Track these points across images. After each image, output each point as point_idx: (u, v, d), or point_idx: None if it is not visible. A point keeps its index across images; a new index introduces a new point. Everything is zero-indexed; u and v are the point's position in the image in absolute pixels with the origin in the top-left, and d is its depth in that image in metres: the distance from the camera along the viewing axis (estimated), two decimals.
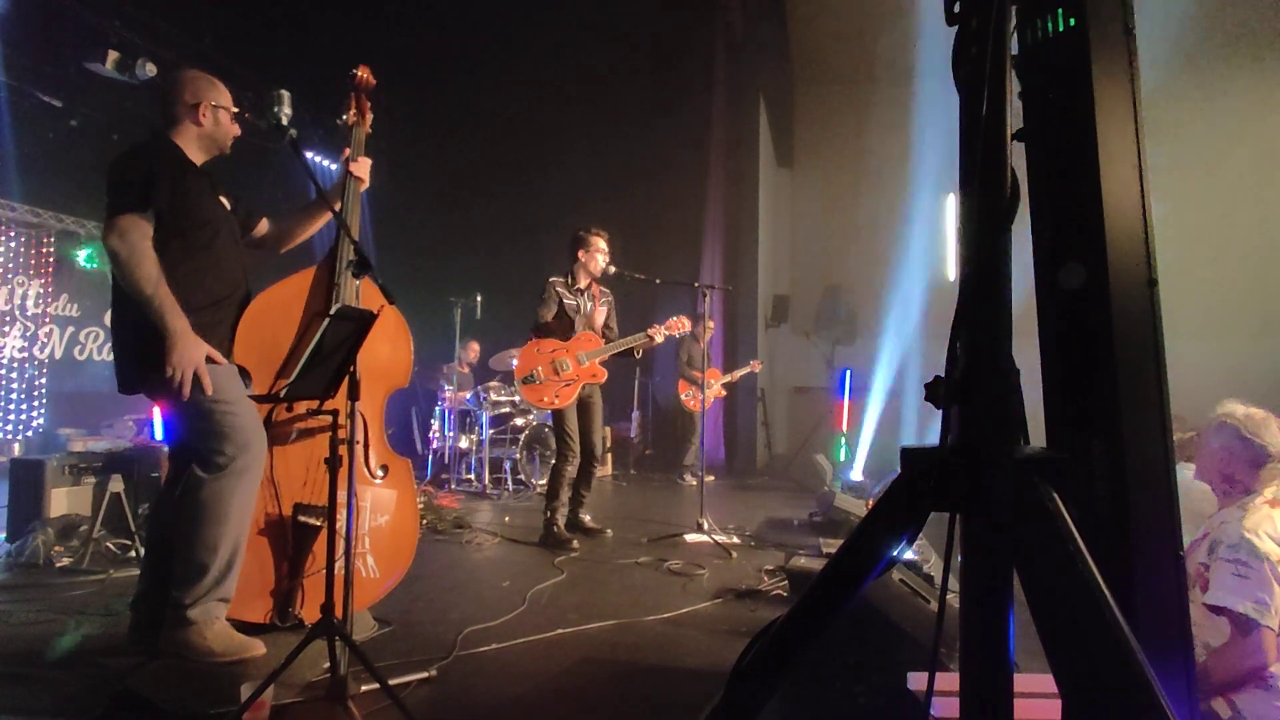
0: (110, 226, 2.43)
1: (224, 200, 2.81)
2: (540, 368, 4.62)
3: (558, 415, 4.68)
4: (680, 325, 4.95)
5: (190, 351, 2.44)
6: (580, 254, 4.77)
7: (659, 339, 4.86)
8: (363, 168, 3.01)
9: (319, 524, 2.65)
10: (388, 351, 2.96)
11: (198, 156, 2.74)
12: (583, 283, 4.81)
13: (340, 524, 2.21)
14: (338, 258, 2.86)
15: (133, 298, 2.42)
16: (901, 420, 8.68)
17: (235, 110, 2.78)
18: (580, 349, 4.70)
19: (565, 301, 4.72)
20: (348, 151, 3.02)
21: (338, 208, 2.95)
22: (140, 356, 2.52)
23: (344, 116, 3.07)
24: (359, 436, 2.58)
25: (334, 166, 9.32)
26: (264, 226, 3.01)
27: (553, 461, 4.83)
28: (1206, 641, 2.15)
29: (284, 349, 2.70)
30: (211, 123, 2.72)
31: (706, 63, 9.06)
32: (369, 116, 3.09)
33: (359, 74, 3.07)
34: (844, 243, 9.92)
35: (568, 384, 4.63)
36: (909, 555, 3.16)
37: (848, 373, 8.54)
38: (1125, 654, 0.70)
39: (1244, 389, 2.59)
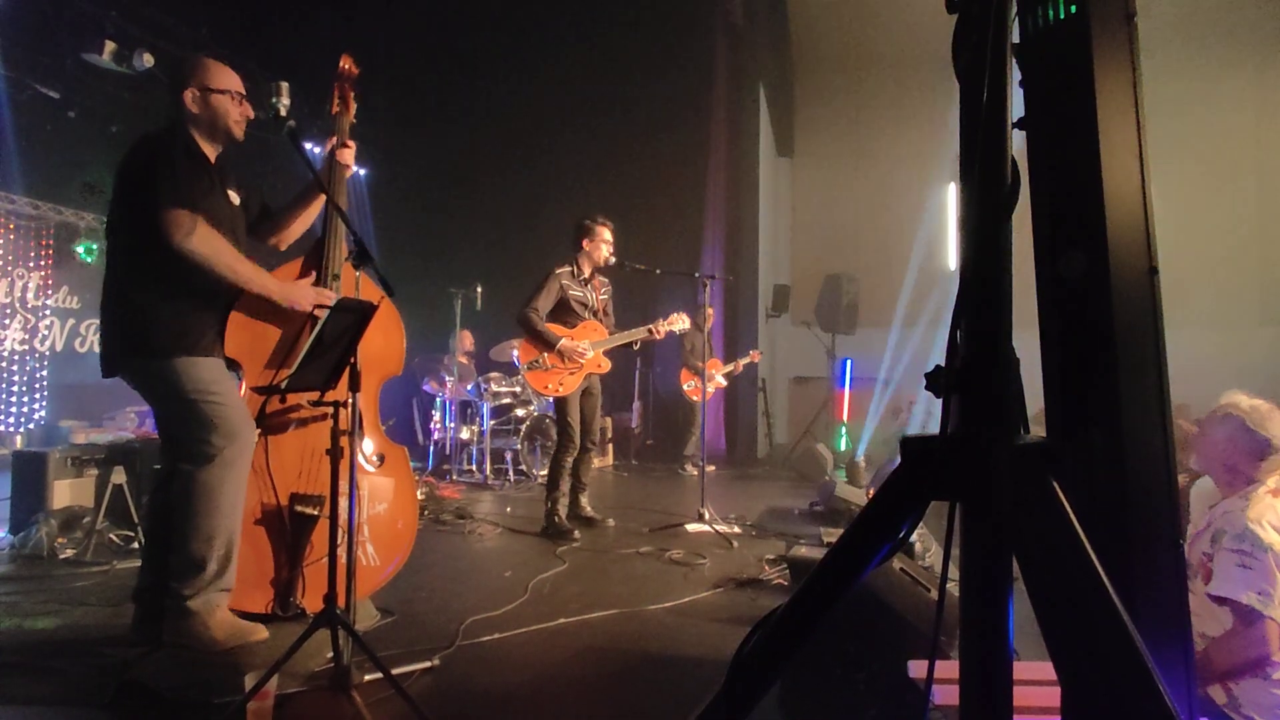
0: (168, 229, 2.41)
1: (233, 194, 2.76)
2: (546, 354, 4.61)
3: (560, 404, 4.67)
4: (678, 321, 4.95)
5: (295, 293, 2.64)
6: (585, 243, 4.74)
7: (660, 334, 4.88)
8: (348, 154, 3.00)
9: (316, 513, 2.67)
10: (380, 340, 2.95)
11: (207, 146, 2.69)
12: (586, 272, 4.80)
13: (342, 515, 2.22)
14: (326, 247, 2.86)
15: (226, 283, 2.55)
16: (902, 410, 8.68)
17: (227, 90, 2.67)
18: (586, 338, 4.70)
19: (572, 292, 4.68)
20: (333, 140, 3.00)
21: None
22: (122, 337, 2.55)
23: (329, 106, 3.06)
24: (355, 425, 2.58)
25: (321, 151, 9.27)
26: (269, 227, 2.99)
27: (553, 451, 4.83)
28: (1203, 631, 2.15)
29: (273, 341, 2.72)
30: (201, 107, 2.65)
31: (706, 51, 9.01)
32: (353, 106, 3.09)
33: (341, 65, 3.08)
34: (844, 232, 9.91)
35: (572, 371, 4.62)
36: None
37: (848, 363, 8.54)
38: (1124, 641, 0.70)
39: (1245, 378, 2.60)
